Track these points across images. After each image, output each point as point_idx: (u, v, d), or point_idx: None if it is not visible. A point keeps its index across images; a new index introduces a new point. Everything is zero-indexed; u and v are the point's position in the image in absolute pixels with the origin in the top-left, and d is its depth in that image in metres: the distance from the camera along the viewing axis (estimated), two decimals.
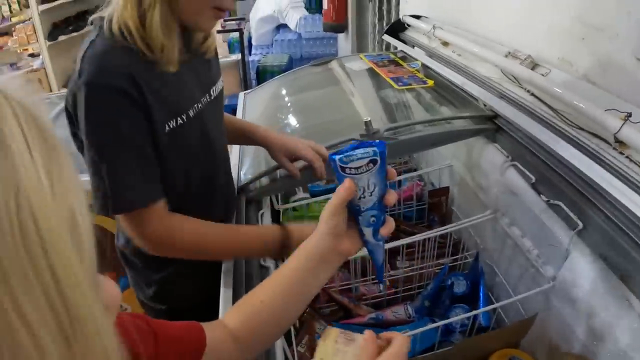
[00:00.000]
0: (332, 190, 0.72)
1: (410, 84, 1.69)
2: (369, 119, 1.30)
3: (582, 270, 0.95)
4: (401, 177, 1.82)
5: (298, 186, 1.75)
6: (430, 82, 1.69)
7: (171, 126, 1.01)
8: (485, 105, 1.42)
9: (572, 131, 1.12)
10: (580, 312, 0.95)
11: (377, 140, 0.69)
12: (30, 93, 0.38)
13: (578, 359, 0.96)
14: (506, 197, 1.25)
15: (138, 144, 0.98)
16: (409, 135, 1.37)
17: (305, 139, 1.30)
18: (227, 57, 4.98)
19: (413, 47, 2.16)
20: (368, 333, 0.65)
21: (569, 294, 0.98)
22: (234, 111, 1.95)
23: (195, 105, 1.08)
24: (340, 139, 1.32)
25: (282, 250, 1.08)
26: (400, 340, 0.65)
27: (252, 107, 1.97)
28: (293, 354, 1.11)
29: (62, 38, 5.45)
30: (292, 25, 5.48)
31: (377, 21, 3.54)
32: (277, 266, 1.14)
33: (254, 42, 5.98)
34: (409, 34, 2.25)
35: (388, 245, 1.32)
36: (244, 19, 5.55)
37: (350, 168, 0.69)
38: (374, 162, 0.68)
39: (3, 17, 5.50)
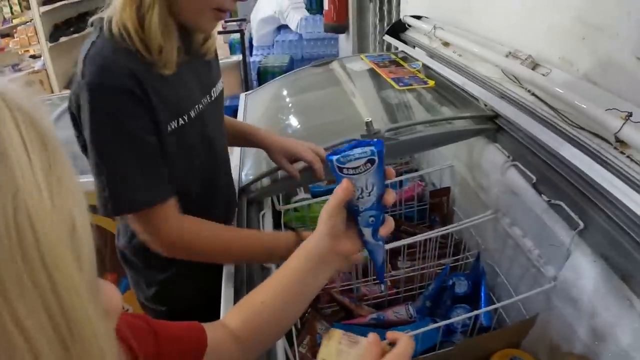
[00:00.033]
0: (333, 191, 0.72)
1: (411, 85, 1.69)
2: (370, 119, 1.30)
3: (583, 270, 0.95)
4: (402, 178, 1.82)
5: (299, 187, 1.75)
6: (431, 83, 1.69)
7: (173, 127, 1.01)
8: (486, 105, 1.42)
9: (573, 131, 1.12)
10: (581, 312, 0.95)
11: (375, 139, 0.69)
12: (30, 96, 0.38)
13: (579, 359, 0.96)
14: (507, 197, 1.25)
15: (144, 143, 0.97)
16: (410, 136, 1.37)
17: (306, 140, 1.30)
18: (228, 58, 4.99)
19: (414, 47, 2.16)
20: (372, 335, 0.65)
21: (570, 294, 0.98)
22: (235, 112, 1.96)
23: (196, 106, 1.08)
24: (341, 139, 1.33)
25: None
26: (405, 341, 0.65)
27: (253, 108, 1.97)
28: (294, 354, 1.11)
29: (63, 39, 5.47)
30: (293, 26, 5.48)
31: (377, 22, 3.54)
32: (277, 266, 1.14)
33: (254, 43, 5.98)
34: (410, 34, 2.25)
35: (389, 246, 1.32)
36: (244, 20, 5.56)
37: (347, 168, 0.68)
38: (371, 161, 0.68)
39: (4, 18, 5.51)
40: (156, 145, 0.99)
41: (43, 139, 0.36)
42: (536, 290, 1.08)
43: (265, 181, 1.40)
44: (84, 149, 0.99)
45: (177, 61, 0.99)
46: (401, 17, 2.35)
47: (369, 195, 0.70)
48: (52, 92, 5.39)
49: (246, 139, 1.35)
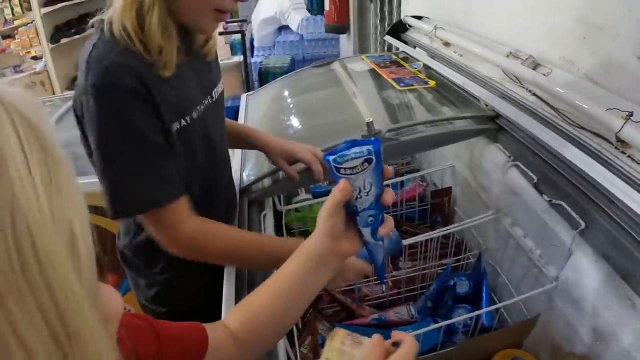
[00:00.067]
0: None
1: (411, 85, 1.69)
2: (371, 119, 1.30)
3: (584, 270, 0.95)
4: (403, 178, 1.82)
5: (300, 187, 1.75)
6: (432, 83, 1.69)
7: (176, 128, 1.02)
8: (486, 106, 1.42)
9: (574, 131, 1.12)
10: (582, 312, 0.94)
11: (372, 138, 0.68)
12: (30, 100, 0.37)
13: (581, 359, 0.96)
14: (508, 197, 1.25)
15: (152, 142, 0.97)
16: (411, 136, 1.37)
17: (307, 140, 1.30)
18: (229, 59, 4.99)
19: (414, 47, 2.17)
20: (376, 336, 0.65)
21: (571, 294, 0.98)
22: (236, 113, 1.96)
23: (198, 107, 1.08)
24: (342, 140, 1.32)
25: None
26: (409, 342, 0.65)
27: (254, 109, 1.97)
28: (296, 355, 1.11)
29: (64, 40, 5.47)
30: (294, 27, 5.48)
31: (378, 22, 3.55)
32: None
33: (256, 44, 5.99)
34: (411, 34, 2.25)
35: None
36: (245, 21, 5.57)
37: (344, 168, 0.68)
38: (368, 161, 0.67)
39: (5, 20, 5.52)
40: (164, 144, 0.99)
41: (43, 145, 0.36)
42: (537, 290, 1.08)
43: (267, 182, 1.40)
44: (90, 152, 0.99)
45: (178, 62, 0.99)
46: (402, 17, 2.35)
47: (367, 195, 0.70)
48: (54, 93, 5.40)
49: (245, 140, 1.35)
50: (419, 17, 2.19)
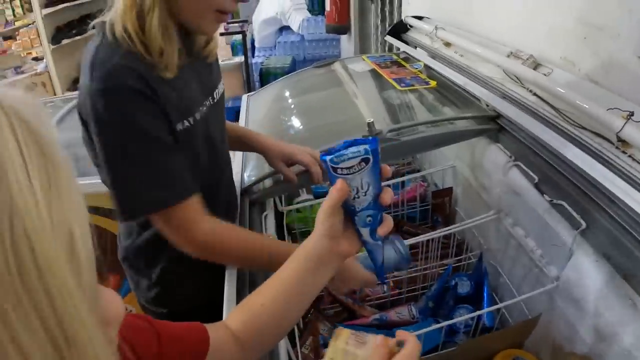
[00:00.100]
0: None
1: (412, 85, 1.69)
2: (372, 120, 1.30)
3: (585, 270, 0.95)
4: (405, 178, 1.82)
5: (301, 188, 1.75)
6: (433, 83, 1.69)
7: (179, 129, 1.02)
8: (487, 106, 1.42)
9: (575, 131, 1.12)
10: (584, 312, 0.94)
11: (370, 138, 0.68)
12: (31, 103, 0.37)
13: (582, 359, 0.96)
14: (509, 197, 1.25)
15: (159, 142, 0.97)
16: (412, 136, 1.37)
17: (308, 141, 1.31)
18: (230, 60, 5.00)
19: (415, 48, 2.17)
20: (380, 337, 0.65)
21: (572, 294, 0.98)
22: (237, 113, 1.96)
23: (200, 109, 1.08)
24: (342, 140, 1.33)
25: None
26: (413, 342, 0.65)
27: (255, 109, 1.97)
28: (297, 355, 1.11)
29: (65, 42, 5.47)
30: (294, 27, 5.49)
31: (379, 22, 3.55)
32: None
33: (256, 44, 6.00)
34: (411, 35, 2.25)
35: None
36: (246, 22, 5.58)
37: (341, 168, 0.67)
38: (365, 160, 0.67)
39: (7, 21, 5.52)
40: (172, 144, 0.99)
41: (42, 150, 0.35)
42: (539, 291, 1.08)
43: (268, 182, 1.41)
44: (94, 156, 0.99)
45: (179, 64, 0.99)
46: (403, 17, 2.35)
47: (365, 195, 0.69)
48: (55, 94, 5.40)
49: (245, 143, 1.36)
50: (419, 18, 2.19)
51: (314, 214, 1.64)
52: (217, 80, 1.19)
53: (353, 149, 0.67)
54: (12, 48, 5.52)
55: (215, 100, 1.16)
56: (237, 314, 0.77)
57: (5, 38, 5.61)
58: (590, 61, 1.17)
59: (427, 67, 1.87)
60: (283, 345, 0.96)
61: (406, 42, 2.26)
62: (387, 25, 3.36)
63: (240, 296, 1.04)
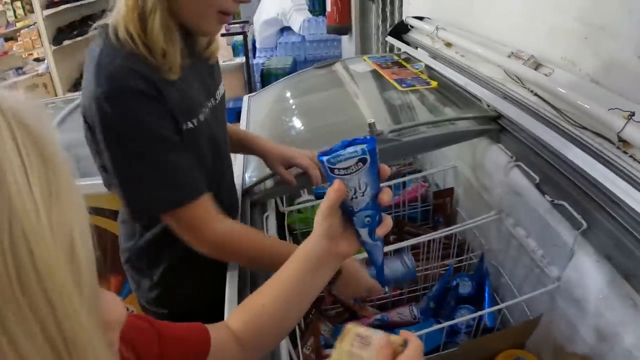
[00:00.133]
0: None
1: (413, 85, 1.69)
2: (373, 120, 1.30)
3: (586, 270, 0.95)
4: (406, 179, 1.82)
5: (302, 189, 1.75)
6: (434, 83, 1.69)
7: (185, 129, 1.02)
8: (488, 106, 1.42)
9: (576, 131, 1.12)
10: (585, 312, 0.94)
11: (368, 137, 0.67)
12: (31, 105, 0.37)
13: (583, 359, 0.96)
14: (510, 198, 1.25)
15: (167, 142, 0.97)
16: (413, 137, 1.37)
17: (309, 141, 1.31)
18: (231, 60, 5.01)
19: (416, 48, 2.17)
20: (384, 338, 0.65)
21: (573, 294, 0.98)
22: (238, 114, 1.96)
23: (203, 110, 1.08)
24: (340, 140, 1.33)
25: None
26: (415, 343, 0.65)
27: (256, 110, 1.97)
28: (298, 356, 1.11)
29: (66, 42, 5.49)
30: (295, 28, 5.49)
31: (380, 23, 3.55)
32: None
33: (258, 45, 6.00)
34: (412, 35, 2.25)
35: (393, 247, 1.32)
36: (247, 22, 5.58)
37: (338, 169, 0.67)
38: (363, 160, 0.66)
39: (8, 22, 5.53)
40: (180, 144, 0.99)
41: (42, 152, 0.35)
42: (540, 291, 1.08)
43: (269, 183, 1.41)
44: (100, 158, 0.99)
45: (182, 65, 0.99)
46: (403, 18, 2.35)
47: (363, 195, 0.69)
48: (56, 95, 5.42)
49: (245, 146, 1.36)
50: (420, 18, 2.19)
51: (315, 215, 1.64)
52: (218, 81, 1.20)
53: (350, 149, 0.66)
54: (14, 49, 5.53)
55: (217, 102, 1.16)
56: (238, 314, 0.77)
57: (7, 39, 5.62)
58: (591, 61, 1.17)
59: (428, 67, 1.87)
60: (284, 345, 0.96)
61: (407, 43, 2.26)
62: (388, 26, 3.36)
63: (241, 296, 1.05)
